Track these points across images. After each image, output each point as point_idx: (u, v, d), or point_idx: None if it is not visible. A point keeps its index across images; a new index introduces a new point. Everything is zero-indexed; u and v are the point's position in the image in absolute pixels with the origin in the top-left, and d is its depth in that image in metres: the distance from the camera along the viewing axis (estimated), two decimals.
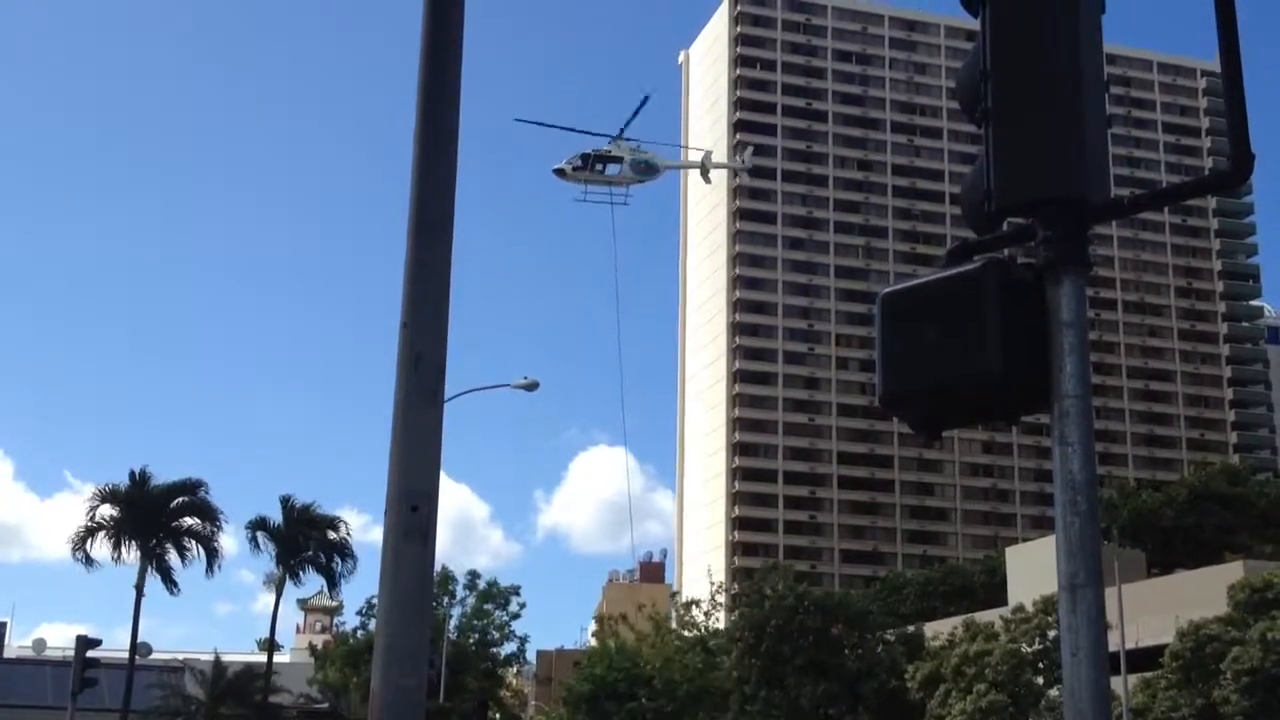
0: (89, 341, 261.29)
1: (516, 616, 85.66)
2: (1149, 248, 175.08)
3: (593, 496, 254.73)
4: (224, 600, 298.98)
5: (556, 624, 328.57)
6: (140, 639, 55.95)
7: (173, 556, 55.58)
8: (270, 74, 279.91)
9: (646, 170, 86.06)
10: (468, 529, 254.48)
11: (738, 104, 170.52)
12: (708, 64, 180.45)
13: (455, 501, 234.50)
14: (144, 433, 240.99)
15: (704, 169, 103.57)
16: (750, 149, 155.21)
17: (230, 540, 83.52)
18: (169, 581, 54.64)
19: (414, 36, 7.29)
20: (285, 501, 59.41)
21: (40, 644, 77.22)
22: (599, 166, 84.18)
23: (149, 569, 54.10)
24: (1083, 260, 5.35)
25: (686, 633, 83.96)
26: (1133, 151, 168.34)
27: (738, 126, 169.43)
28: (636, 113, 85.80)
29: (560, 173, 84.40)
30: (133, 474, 55.92)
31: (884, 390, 5.66)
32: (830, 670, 65.29)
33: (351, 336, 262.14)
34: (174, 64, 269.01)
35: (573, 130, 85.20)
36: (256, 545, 58.63)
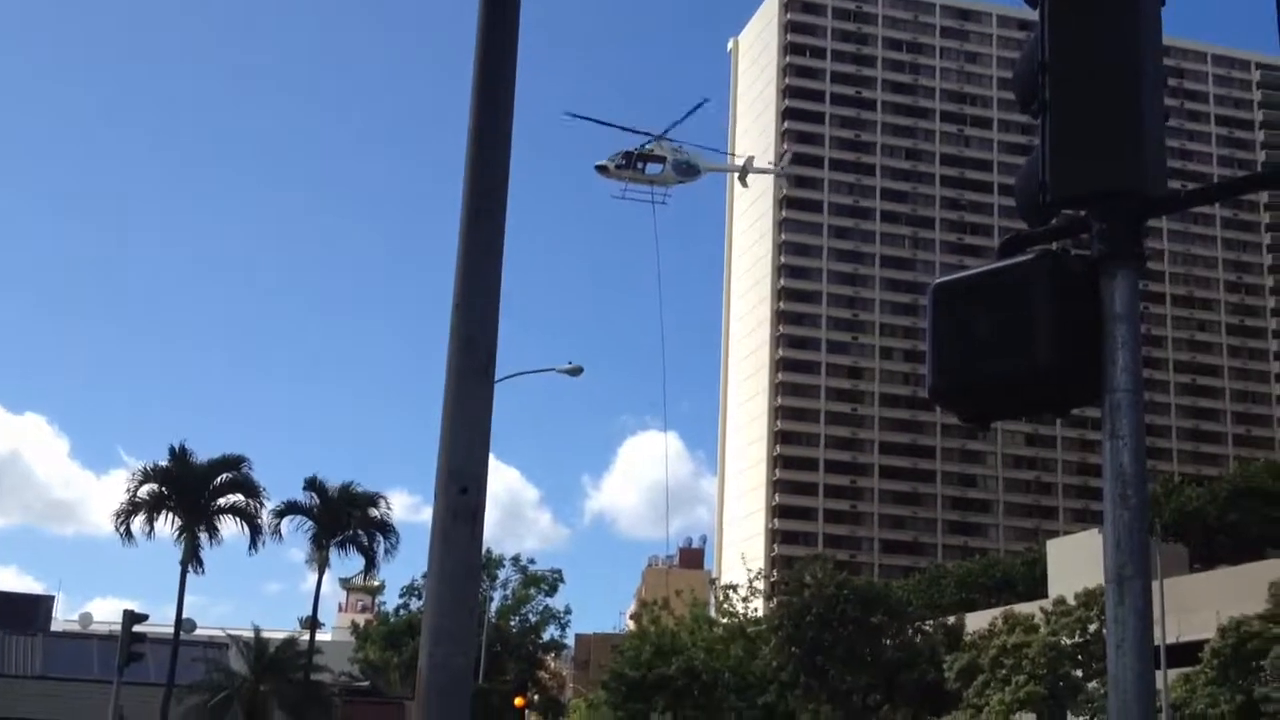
0: (146, 324, 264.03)
1: (563, 622, 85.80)
2: (1199, 241, 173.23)
3: (641, 481, 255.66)
4: (273, 579, 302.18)
5: (600, 608, 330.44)
6: (189, 615, 56.43)
7: (217, 532, 55.87)
8: (318, 56, 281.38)
9: (688, 171, 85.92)
10: (517, 512, 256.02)
11: (786, 91, 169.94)
12: (757, 51, 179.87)
13: (505, 484, 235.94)
14: (197, 413, 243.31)
15: (743, 173, 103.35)
16: (789, 153, 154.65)
17: (287, 519, 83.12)
18: (196, 560, 54.72)
19: (470, 22, 7.33)
20: (312, 482, 59.47)
21: (86, 618, 78.08)
22: (641, 165, 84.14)
23: (196, 546, 54.50)
24: (1137, 254, 5.34)
25: (724, 620, 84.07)
26: (1185, 144, 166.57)
27: (786, 114, 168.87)
28: (690, 114, 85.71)
29: (603, 169, 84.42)
30: (172, 449, 55.92)
31: (934, 381, 5.66)
32: (869, 660, 65.23)
33: (407, 318, 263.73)
34: (219, 49, 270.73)
35: (623, 129, 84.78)
36: (278, 532, 58.59)
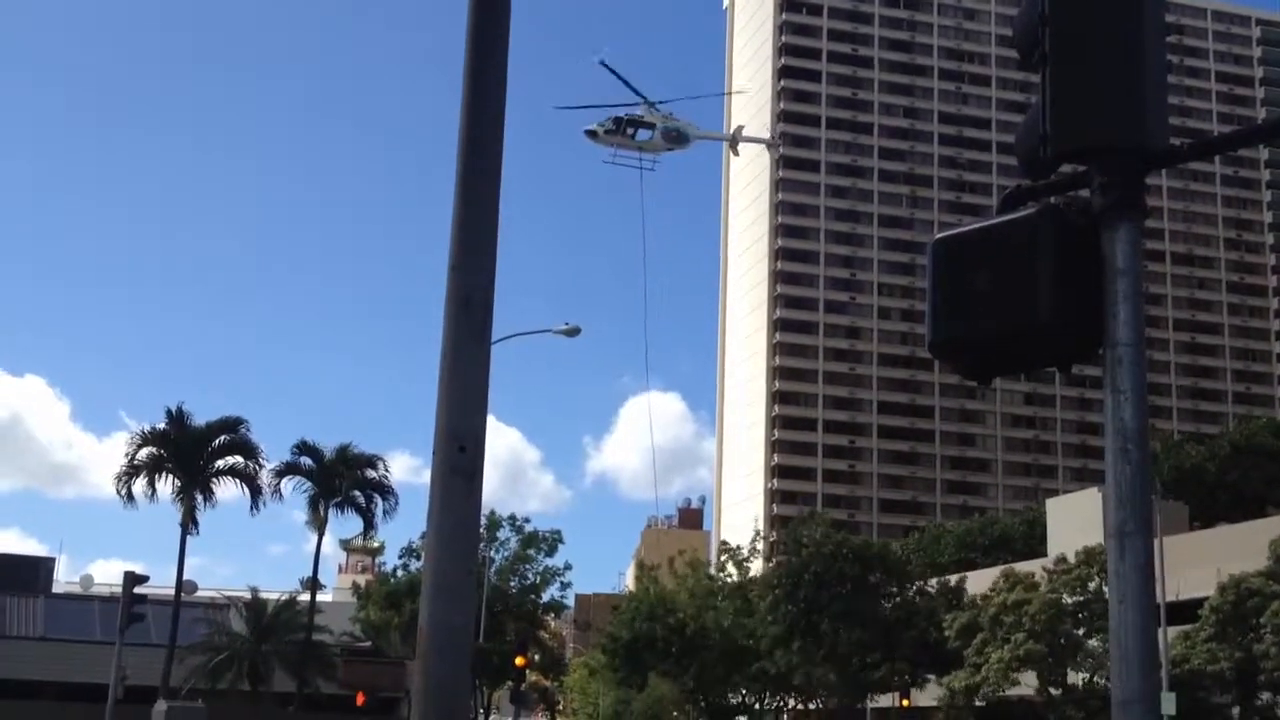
0: (148, 288, 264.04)
1: (565, 582, 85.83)
2: (1199, 199, 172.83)
3: (642, 443, 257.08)
4: (276, 541, 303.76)
5: (602, 569, 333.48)
6: (191, 578, 56.66)
7: (212, 494, 55.93)
8: (315, 27, 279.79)
9: (677, 139, 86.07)
10: (519, 473, 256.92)
11: (783, 49, 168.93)
12: (753, 9, 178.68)
13: (507, 446, 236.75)
14: (200, 377, 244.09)
15: (734, 142, 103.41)
16: (780, 127, 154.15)
17: (286, 481, 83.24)
18: (194, 521, 54.82)
19: None
20: (304, 445, 59.47)
21: (88, 580, 78.34)
22: (631, 131, 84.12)
23: (194, 507, 54.61)
24: (1139, 207, 5.29)
25: (728, 577, 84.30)
26: (1185, 101, 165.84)
27: (782, 72, 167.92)
28: (620, 77, 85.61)
29: (592, 134, 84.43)
30: (170, 412, 55.99)
31: (934, 337, 5.61)
32: (867, 618, 65.43)
33: (414, 283, 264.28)
34: (217, 16, 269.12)
35: (614, 107, 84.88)
36: (278, 493, 58.58)
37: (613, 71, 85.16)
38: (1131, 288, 5.16)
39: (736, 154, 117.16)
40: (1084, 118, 5.35)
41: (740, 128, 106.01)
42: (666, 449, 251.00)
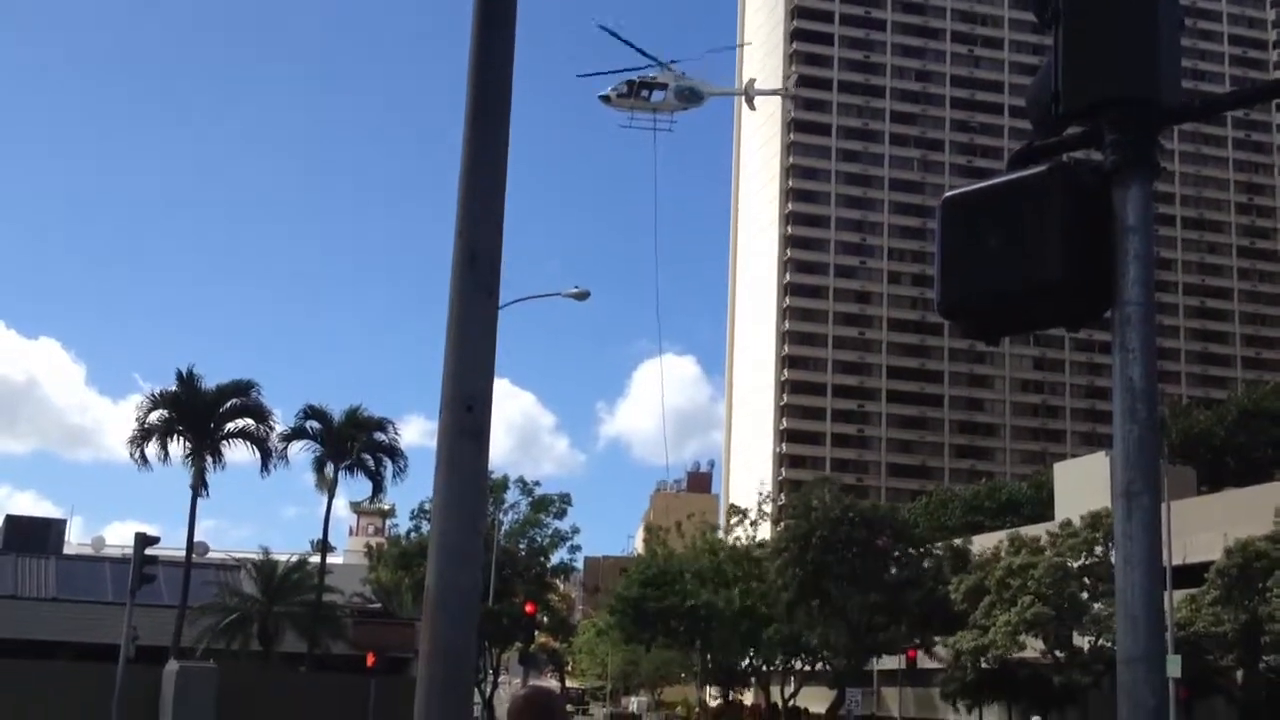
0: (163, 251, 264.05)
1: (573, 543, 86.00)
2: (1210, 163, 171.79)
3: (655, 407, 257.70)
4: (290, 503, 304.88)
5: (616, 532, 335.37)
6: (206, 539, 56.87)
7: (221, 456, 55.98)
8: None
9: (690, 97, 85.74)
10: (533, 437, 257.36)
11: (794, 12, 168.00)
12: None
13: (521, 410, 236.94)
14: (212, 339, 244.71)
15: (748, 96, 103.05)
16: (795, 76, 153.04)
17: (295, 444, 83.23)
18: (203, 483, 54.84)
19: None
20: (311, 409, 59.47)
21: (99, 541, 78.67)
22: (644, 93, 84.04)
23: (206, 469, 54.71)
24: (1151, 164, 5.24)
25: (736, 541, 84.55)
26: (1197, 64, 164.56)
27: (795, 35, 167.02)
28: (718, 50, 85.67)
29: (605, 99, 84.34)
30: (180, 374, 55.93)
31: (943, 297, 5.56)
32: (875, 581, 65.66)
33: (431, 245, 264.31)
34: None
35: (642, 53, 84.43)
36: (284, 456, 58.43)
37: (614, 35, 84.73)
38: (1142, 246, 5.11)
39: (753, 108, 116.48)
40: (1096, 74, 5.29)
41: (752, 80, 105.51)
42: (681, 412, 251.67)
